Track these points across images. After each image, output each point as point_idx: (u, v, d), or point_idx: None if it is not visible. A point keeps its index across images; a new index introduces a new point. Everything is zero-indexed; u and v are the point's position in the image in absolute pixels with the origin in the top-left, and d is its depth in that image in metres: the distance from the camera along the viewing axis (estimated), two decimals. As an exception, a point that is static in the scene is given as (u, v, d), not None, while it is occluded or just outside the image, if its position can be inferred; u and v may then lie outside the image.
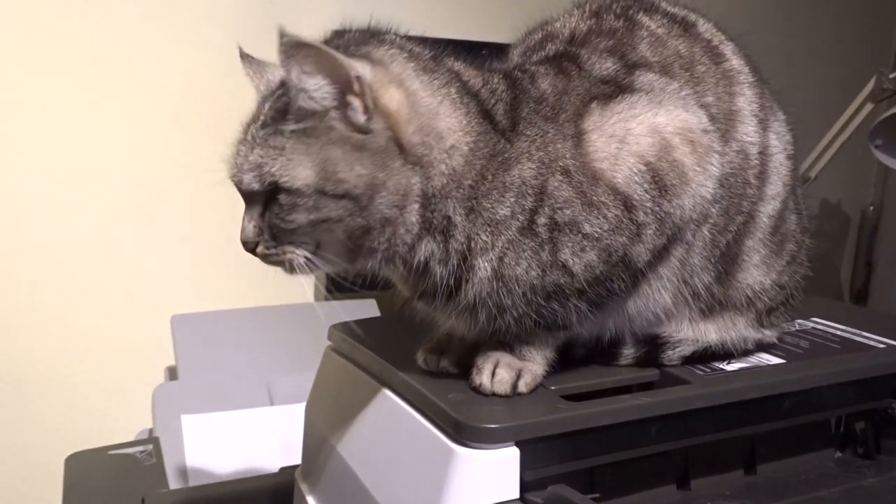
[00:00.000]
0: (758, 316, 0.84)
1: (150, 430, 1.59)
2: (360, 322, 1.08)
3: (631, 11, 0.80)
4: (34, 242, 1.73)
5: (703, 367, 0.83)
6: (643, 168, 0.69)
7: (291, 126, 0.66)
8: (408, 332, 0.85)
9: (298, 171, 0.65)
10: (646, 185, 0.70)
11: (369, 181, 0.66)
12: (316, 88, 0.64)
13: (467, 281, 0.70)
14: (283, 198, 0.67)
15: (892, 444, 0.93)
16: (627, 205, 0.69)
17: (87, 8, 1.67)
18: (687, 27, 0.80)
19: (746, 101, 0.78)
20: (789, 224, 0.84)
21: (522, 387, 0.73)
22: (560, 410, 0.70)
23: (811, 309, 1.04)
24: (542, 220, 0.69)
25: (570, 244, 0.69)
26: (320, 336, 1.03)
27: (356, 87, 0.65)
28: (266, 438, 1.49)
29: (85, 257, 1.77)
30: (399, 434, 0.76)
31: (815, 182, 2.04)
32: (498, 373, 0.73)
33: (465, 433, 0.67)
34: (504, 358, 0.74)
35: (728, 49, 0.80)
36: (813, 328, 0.99)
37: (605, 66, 0.75)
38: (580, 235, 0.69)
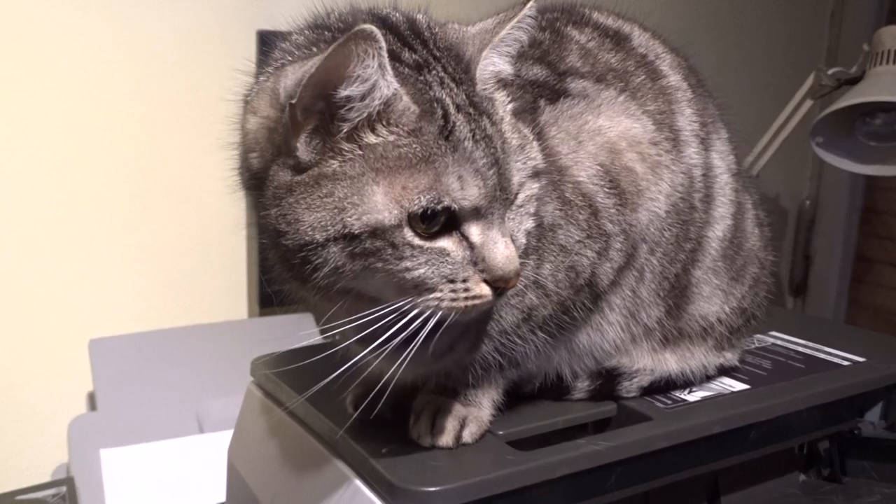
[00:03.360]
0: (717, 342, 0.79)
1: (68, 466, 1.47)
2: (286, 354, 0.99)
3: (558, 24, 0.75)
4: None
5: (663, 399, 0.76)
6: (600, 170, 0.65)
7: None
8: (344, 366, 0.76)
9: (534, 148, 0.59)
10: (606, 189, 0.65)
11: None
12: None
13: None
14: (534, 186, 0.58)
15: (857, 464, 0.89)
16: (593, 209, 0.64)
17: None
18: (619, 41, 0.75)
19: (686, 120, 0.73)
20: (751, 242, 0.79)
21: (468, 437, 0.65)
22: (510, 463, 0.62)
23: (769, 322, 0.98)
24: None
25: (551, 257, 0.63)
26: (254, 354, 0.93)
27: None
28: (196, 471, 1.38)
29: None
30: (329, 493, 0.67)
31: (755, 179, 2.02)
32: (439, 423, 0.65)
33: (401, 498, 0.58)
34: (446, 404, 0.66)
35: (665, 64, 0.75)
36: (773, 344, 0.93)
37: (534, 71, 0.70)
38: (556, 246, 0.64)
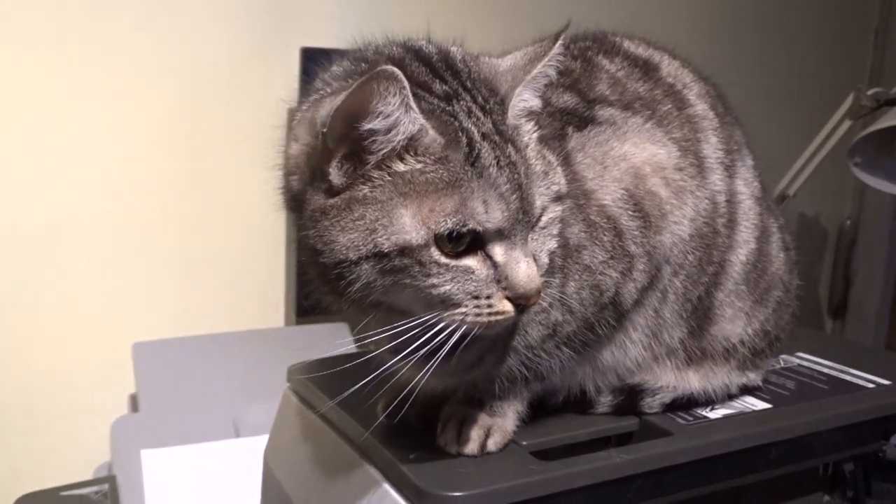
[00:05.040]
0: (740, 362, 0.80)
1: (110, 465, 1.52)
2: (322, 361, 1.02)
3: (589, 53, 0.78)
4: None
5: (685, 415, 0.78)
6: (625, 193, 0.68)
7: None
8: (374, 373, 0.80)
9: (559, 173, 0.62)
10: (630, 212, 0.67)
11: None
12: None
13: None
14: (556, 209, 0.61)
15: (882, 486, 0.89)
16: (617, 231, 0.67)
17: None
18: (648, 70, 0.77)
19: (712, 148, 0.75)
20: (776, 266, 0.80)
21: (492, 446, 0.68)
22: (532, 472, 0.65)
23: (796, 342, 0.99)
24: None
25: (576, 276, 0.66)
26: (290, 362, 0.97)
27: None
28: (232, 473, 1.42)
29: (38, 280, 1.69)
30: (359, 496, 0.70)
31: (792, 197, 2.01)
32: (465, 431, 0.67)
33: (427, 502, 0.61)
34: (473, 414, 0.69)
35: (692, 94, 0.77)
36: (798, 365, 0.94)
37: (564, 98, 0.72)
38: (580, 266, 0.66)
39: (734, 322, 0.77)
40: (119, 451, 1.47)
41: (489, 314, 0.57)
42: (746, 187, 0.77)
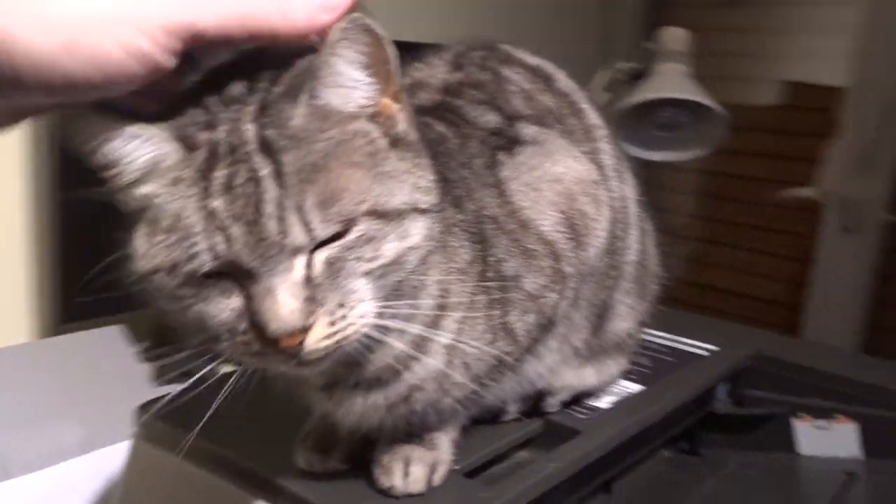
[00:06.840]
0: (622, 352, 0.86)
1: None
2: (182, 394, 0.91)
3: (490, 63, 0.75)
4: None
5: (578, 409, 0.82)
6: (561, 216, 0.67)
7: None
8: (244, 408, 0.73)
9: (392, 184, 0.51)
10: (566, 234, 0.67)
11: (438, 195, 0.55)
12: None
13: (424, 353, 0.60)
14: (371, 227, 0.49)
15: (710, 436, 1.02)
16: (555, 255, 0.66)
17: None
18: (548, 81, 0.77)
19: (608, 156, 0.77)
20: (653, 264, 0.86)
21: (437, 480, 0.66)
22: (482, 501, 0.64)
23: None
24: (490, 272, 0.63)
25: (517, 304, 0.65)
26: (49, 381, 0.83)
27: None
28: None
29: None
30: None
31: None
32: (412, 471, 0.64)
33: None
34: (414, 452, 0.66)
35: (583, 103, 0.78)
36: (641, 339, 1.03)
37: (488, 118, 0.70)
38: (524, 293, 0.65)
39: (625, 318, 0.82)
40: None
41: (254, 353, 0.49)
42: (632, 191, 0.82)
